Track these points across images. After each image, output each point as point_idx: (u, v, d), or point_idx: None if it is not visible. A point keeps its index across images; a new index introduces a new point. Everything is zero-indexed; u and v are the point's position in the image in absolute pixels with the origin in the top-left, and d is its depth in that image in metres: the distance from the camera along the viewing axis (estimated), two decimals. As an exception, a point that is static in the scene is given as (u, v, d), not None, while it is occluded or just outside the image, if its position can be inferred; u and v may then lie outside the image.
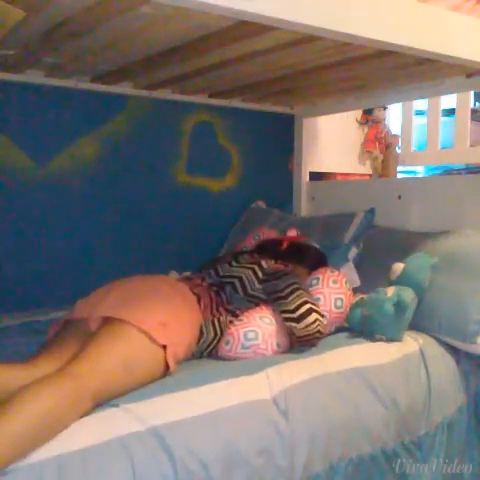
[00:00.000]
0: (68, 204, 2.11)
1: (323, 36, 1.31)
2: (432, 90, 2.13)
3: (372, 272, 1.88)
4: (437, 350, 1.59)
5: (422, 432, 1.46)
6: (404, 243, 1.90)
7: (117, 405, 1.10)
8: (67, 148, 2.10)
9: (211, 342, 1.50)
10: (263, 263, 1.64)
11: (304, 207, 2.57)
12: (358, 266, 1.91)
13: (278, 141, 2.63)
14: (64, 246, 2.11)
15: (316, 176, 2.67)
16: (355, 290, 1.84)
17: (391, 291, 1.59)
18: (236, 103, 2.46)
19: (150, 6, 1.25)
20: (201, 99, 2.36)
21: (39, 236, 2.05)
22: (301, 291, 1.51)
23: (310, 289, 1.63)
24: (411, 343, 1.56)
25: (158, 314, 1.34)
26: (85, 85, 2.07)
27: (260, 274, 1.61)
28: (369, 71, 1.86)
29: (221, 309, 1.56)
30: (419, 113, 2.90)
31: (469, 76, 1.91)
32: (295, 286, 1.52)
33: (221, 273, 1.65)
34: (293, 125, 2.62)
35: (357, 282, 1.87)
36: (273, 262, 1.67)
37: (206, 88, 2.24)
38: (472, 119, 2.55)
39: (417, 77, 1.95)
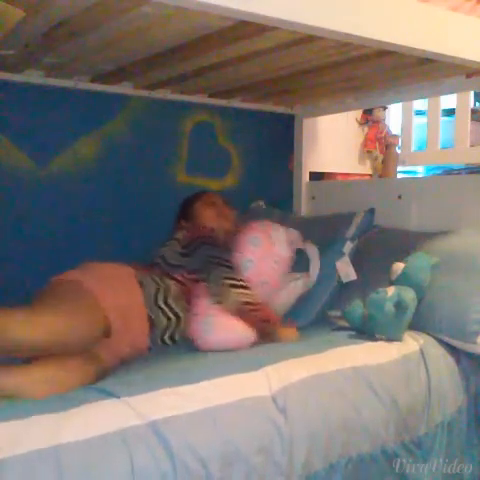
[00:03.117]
0: (68, 204, 2.11)
1: (323, 36, 1.31)
2: (432, 90, 2.13)
3: (372, 272, 1.88)
4: (437, 350, 1.59)
5: (422, 432, 1.46)
6: (404, 243, 1.90)
7: (118, 397, 1.10)
8: (67, 148, 2.10)
9: (157, 294, 1.56)
10: (179, 235, 1.76)
11: (304, 207, 2.57)
12: (358, 266, 1.91)
13: (278, 141, 2.63)
14: (64, 246, 2.10)
15: (316, 176, 2.67)
16: (353, 285, 1.86)
17: (391, 291, 1.59)
18: (236, 103, 2.46)
19: (150, 6, 1.25)
20: (201, 99, 2.36)
21: (39, 236, 2.05)
22: (215, 266, 1.59)
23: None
24: (411, 343, 1.56)
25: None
26: (85, 85, 2.07)
27: (178, 247, 1.71)
28: (369, 71, 1.86)
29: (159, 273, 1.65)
30: (419, 113, 2.90)
31: (469, 76, 1.91)
32: (209, 261, 1.61)
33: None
34: (293, 125, 2.62)
35: (353, 275, 1.87)
36: (184, 231, 1.79)
37: (206, 88, 2.24)
38: (472, 119, 2.55)
39: (417, 77, 1.95)
